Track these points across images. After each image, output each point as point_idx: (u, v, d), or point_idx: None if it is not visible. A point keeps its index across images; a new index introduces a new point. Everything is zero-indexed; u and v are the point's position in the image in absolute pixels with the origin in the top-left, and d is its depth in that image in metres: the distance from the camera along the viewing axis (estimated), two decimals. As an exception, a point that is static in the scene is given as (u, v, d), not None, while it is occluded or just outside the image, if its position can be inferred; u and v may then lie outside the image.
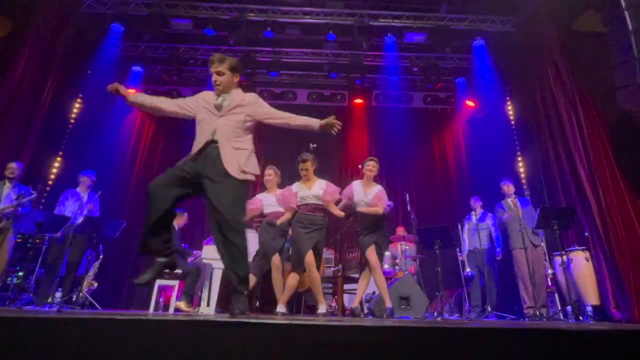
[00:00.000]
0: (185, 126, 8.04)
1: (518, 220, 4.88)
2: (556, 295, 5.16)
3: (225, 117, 2.55)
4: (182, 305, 4.69)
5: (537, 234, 5.03)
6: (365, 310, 4.66)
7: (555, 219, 4.51)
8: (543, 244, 5.10)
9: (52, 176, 6.21)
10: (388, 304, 3.84)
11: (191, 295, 5.21)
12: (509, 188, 5.35)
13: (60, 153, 6.41)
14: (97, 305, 4.91)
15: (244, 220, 2.48)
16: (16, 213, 4.37)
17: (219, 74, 2.67)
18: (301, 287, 5.16)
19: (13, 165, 4.64)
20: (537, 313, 4.52)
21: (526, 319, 4.65)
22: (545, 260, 5.16)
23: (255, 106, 2.70)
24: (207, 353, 1.35)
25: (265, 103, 2.76)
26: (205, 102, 2.63)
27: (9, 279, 4.81)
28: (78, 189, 5.17)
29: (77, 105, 6.80)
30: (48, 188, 6.10)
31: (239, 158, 2.45)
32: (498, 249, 5.50)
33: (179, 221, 5.59)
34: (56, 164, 6.31)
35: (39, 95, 5.79)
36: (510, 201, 5.23)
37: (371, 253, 3.89)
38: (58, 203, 5.14)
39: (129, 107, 7.83)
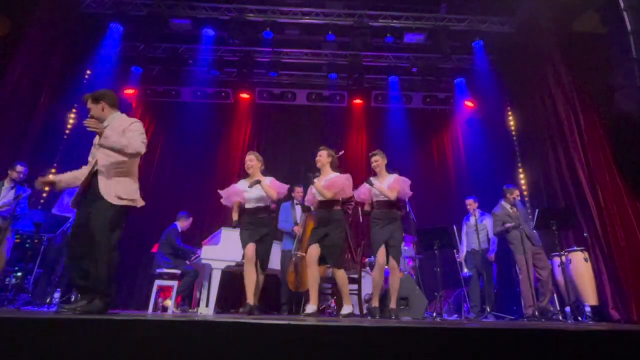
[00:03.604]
0: (184, 127, 8.07)
1: (518, 227, 4.88)
2: (555, 295, 5.17)
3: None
4: (168, 302, 4.71)
5: (535, 233, 5.03)
6: (365, 311, 4.65)
7: (554, 219, 4.52)
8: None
9: (54, 170, 6.19)
10: (376, 303, 3.86)
11: (187, 295, 5.22)
12: (513, 195, 5.15)
13: (61, 147, 6.39)
14: (95, 305, 4.90)
15: None
16: (14, 213, 4.37)
17: (89, 111, 2.89)
18: (302, 287, 5.17)
19: (21, 168, 4.64)
20: (536, 313, 4.53)
21: (525, 319, 4.65)
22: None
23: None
24: (207, 353, 1.35)
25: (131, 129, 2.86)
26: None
27: (8, 279, 4.79)
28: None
29: (76, 105, 6.79)
30: (47, 188, 6.08)
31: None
32: (492, 249, 5.52)
33: (183, 223, 5.59)
34: (55, 165, 6.29)
35: (38, 94, 5.78)
36: (510, 208, 5.12)
37: (380, 253, 3.81)
38: (57, 202, 5.15)
39: (128, 108, 7.84)
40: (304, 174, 3.92)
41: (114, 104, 2.99)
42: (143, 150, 2.79)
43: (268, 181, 3.94)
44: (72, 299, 4.44)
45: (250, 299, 3.63)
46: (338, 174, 3.88)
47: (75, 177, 2.92)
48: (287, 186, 4.00)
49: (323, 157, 3.96)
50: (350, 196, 3.93)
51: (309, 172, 3.94)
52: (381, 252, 3.81)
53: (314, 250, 3.59)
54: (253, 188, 3.86)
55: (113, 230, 2.69)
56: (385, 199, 3.90)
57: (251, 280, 3.67)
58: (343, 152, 4.25)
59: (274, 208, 4.11)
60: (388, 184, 3.92)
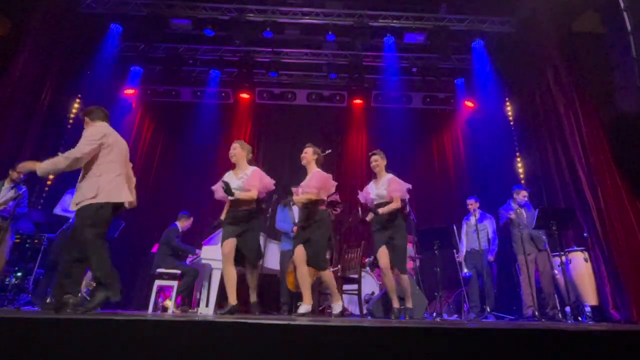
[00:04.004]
0: (184, 127, 8.08)
1: (520, 227, 4.91)
2: (555, 295, 5.18)
3: None
4: (168, 302, 4.69)
5: (542, 238, 5.01)
6: (365, 311, 4.65)
7: (554, 219, 4.52)
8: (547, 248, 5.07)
9: (51, 176, 6.19)
10: (395, 304, 3.78)
11: (187, 295, 5.22)
12: (519, 196, 5.22)
13: (59, 153, 6.39)
14: (95, 305, 4.90)
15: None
16: (14, 213, 4.37)
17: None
18: (299, 288, 5.14)
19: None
20: (536, 314, 4.54)
21: (525, 319, 4.66)
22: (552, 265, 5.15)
23: None
24: (206, 353, 1.35)
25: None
26: None
27: (8, 279, 4.80)
28: None
29: (75, 105, 6.79)
30: (47, 188, 6.09)
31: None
32: (492, 249, 5.51)
33: (184, 223, 5.59)
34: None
35: (38, 95, 5.79)
36: (517, 208, 5.16)
37: (381, 255, 3.79)
38: (59, 203, 5.16)
39: (128, 107, 7.84)
40: (280, 191, 3.74)
41: (97, 117, 3.14)
42: (78, 154, 2.83)
43: (250, 171, 3.69)
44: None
45: (232, 299, 3.45)
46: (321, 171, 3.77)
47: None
48: (271, 181, 3.75)
49: (309, 154, 3.84)
50: (336, 198, 3.89)
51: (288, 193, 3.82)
52: (381, 252, 3.79)
53: (300, 251, 3.50)
54: (233, 179, 3.66)
55: (85, 232, 2.77)
56: (383, 200, 3.87)
57: (230, 278, 3.48)
58: (330, 150, 4.12)
59: (263, 198, 3.75)
60: (388, 191, 3.86)
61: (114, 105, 7.41)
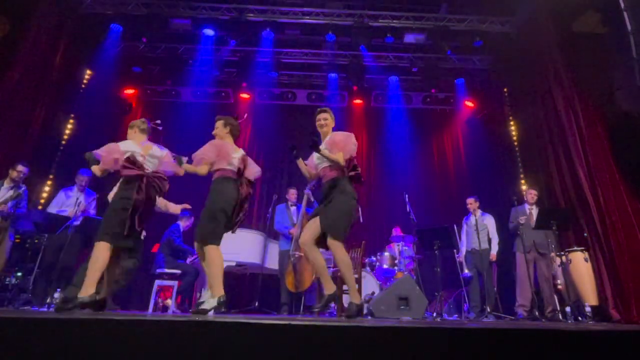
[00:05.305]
0: (184, 127, 8.07)
1: (529, 227, 4.95)
2: (555, 296, 5.18)
3: None
4: (168, 302, 4.69)
5: (551, 247, 5.02)
6: (365, 311, 4.65)
7: (555, 219, 4.52)
8: (553, 254, 5.05)
9: (52, 176, 6.19)
10: (328, 290, 2.89)
11: (187, 295, 5.22)
12: (532, 196, 5.38)
13: (59, 153, 6.38)
14: (95, 305, 4.90)
15: None
16: (14, 213, 4.37)
17: None
18: (301, 287, 5.16)
19: (22, 168, 4.64)
20: (536, 313, 4.55)
21: (522, 317, 4.68)
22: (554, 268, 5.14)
23: None
24: (207, 353, 1.35)
25: None
26: None
27: (8, 279, 4.79)
28: (74, 188, 5.17)
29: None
30: (47, 188, 6.08)
31: None
32: (493, 249, 5.51)
33: (185, 223, 5.59)
34: (51, 175, 6.26)
35: (39, 95, 5.78)
36: (528, 208, 5.28)
37: (307, 226, 3.02)
38: (52, 202, 5.16)
39: (128, 107, 7.84)
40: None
41: None
42: None
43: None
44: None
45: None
46: None
47: None
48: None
49: (219, 128, 3.48)
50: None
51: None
52: (307, 227, 3.03)
53: None
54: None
55: None
56: (327, 164, 3.17)
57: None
58: (246, 115, 3.90)
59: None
60: (327, 145, 3.19)
61: (113, 105, 7.42)
